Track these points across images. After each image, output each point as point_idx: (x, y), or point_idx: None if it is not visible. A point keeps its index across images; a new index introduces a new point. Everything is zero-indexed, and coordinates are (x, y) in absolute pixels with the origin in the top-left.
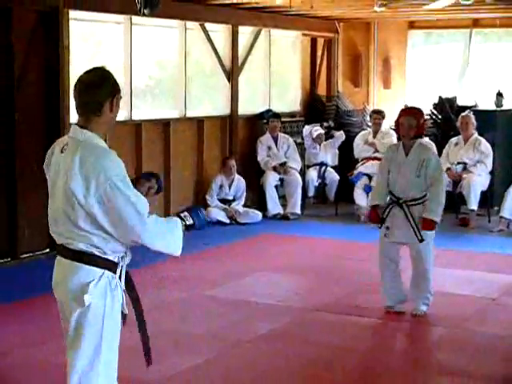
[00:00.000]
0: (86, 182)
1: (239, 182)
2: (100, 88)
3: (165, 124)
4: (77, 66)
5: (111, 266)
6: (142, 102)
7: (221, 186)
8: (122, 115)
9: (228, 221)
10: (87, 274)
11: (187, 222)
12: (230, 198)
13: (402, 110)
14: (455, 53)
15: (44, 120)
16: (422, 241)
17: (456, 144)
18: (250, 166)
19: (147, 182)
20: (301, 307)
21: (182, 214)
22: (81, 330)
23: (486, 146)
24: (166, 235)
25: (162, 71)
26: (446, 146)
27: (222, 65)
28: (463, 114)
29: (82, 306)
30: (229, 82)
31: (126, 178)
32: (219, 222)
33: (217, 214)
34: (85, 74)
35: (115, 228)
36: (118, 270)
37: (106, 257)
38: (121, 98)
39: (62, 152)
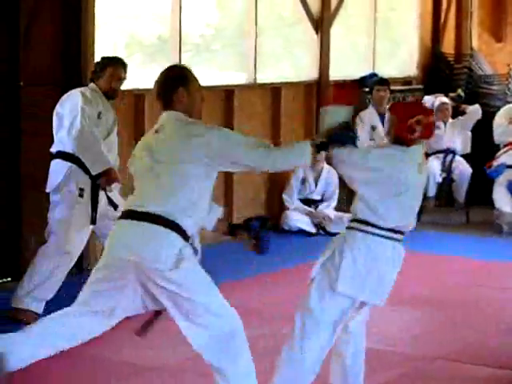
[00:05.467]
0: None
1: (329, 175)
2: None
3: (227, 93)
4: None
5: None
6: (195, 60)
7: (303, 181)
8: None
9: (314, 229)
10: None
11: None
12: (317, 197)
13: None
14: None
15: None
16: None
17: None
18: None
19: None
20: (418, 354)
21: None
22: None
23: None
24: None
25: (224, 18)
26: None
27: (308, 10)
28: None
29: None
30: (317, 34)
31: None
32: (301, 231)
33: (298, 220)
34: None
35: None
36: None
37: None
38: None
39: None
